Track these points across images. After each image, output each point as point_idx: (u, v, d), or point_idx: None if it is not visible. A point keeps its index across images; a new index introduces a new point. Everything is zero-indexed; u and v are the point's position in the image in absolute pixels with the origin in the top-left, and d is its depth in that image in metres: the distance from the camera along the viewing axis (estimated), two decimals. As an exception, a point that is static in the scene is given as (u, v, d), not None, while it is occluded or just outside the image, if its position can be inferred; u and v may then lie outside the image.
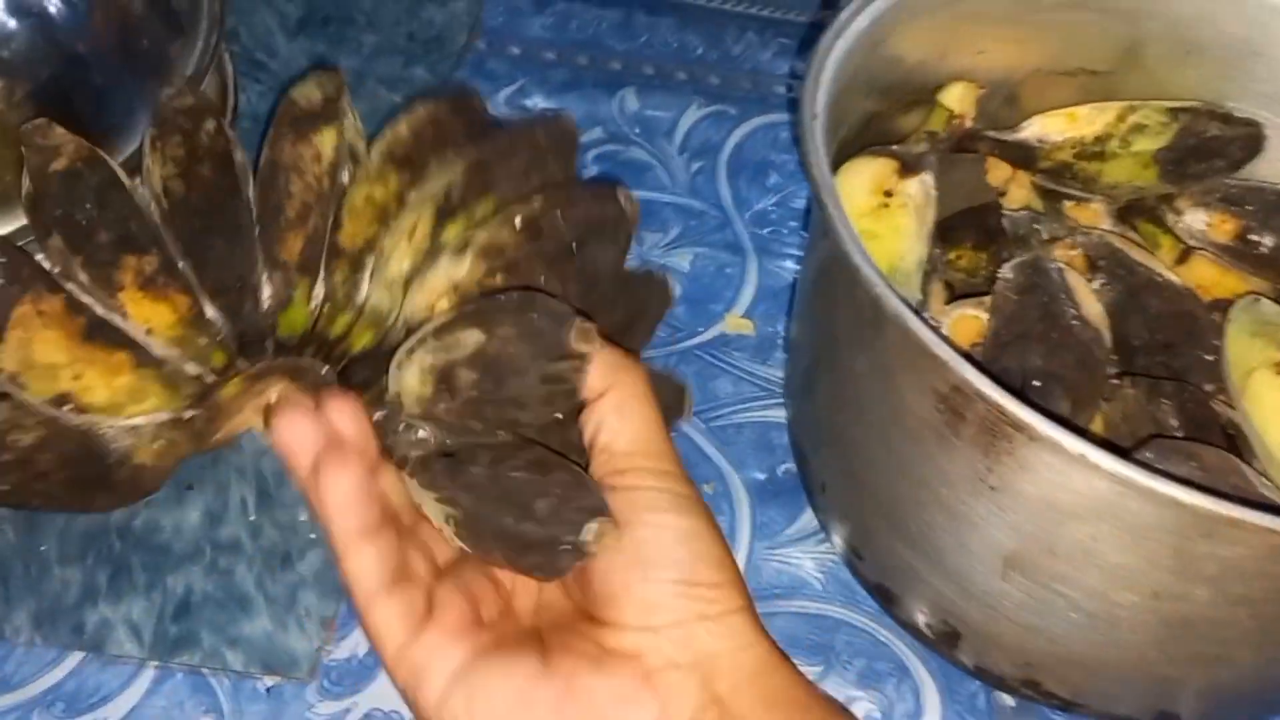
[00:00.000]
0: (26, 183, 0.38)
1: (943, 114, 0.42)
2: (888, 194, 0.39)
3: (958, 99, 0.41)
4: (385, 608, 0.29)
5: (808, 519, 0.42)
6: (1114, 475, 0.26)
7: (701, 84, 0.58)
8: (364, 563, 0.30)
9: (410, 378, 0.33)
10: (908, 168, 0.40)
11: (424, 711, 0.29)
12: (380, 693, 0.38)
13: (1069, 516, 0.29)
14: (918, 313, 0.29)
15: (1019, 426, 0.27)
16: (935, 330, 0.29)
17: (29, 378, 0.36)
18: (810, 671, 0.39)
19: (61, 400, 0.36)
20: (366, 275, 0.40)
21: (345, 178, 0.42)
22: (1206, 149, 0.42)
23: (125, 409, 0.37)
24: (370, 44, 0.58)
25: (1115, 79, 0.44)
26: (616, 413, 0.31)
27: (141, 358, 0.37)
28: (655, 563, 0.29)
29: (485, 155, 0.41)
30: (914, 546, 0.34)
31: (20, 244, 0.38)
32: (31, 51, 0.43)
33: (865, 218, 0.39)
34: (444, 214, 0.40)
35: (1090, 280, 0.41)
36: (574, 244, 0.37)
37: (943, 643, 0.36)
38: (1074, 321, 0.37)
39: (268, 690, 0.38)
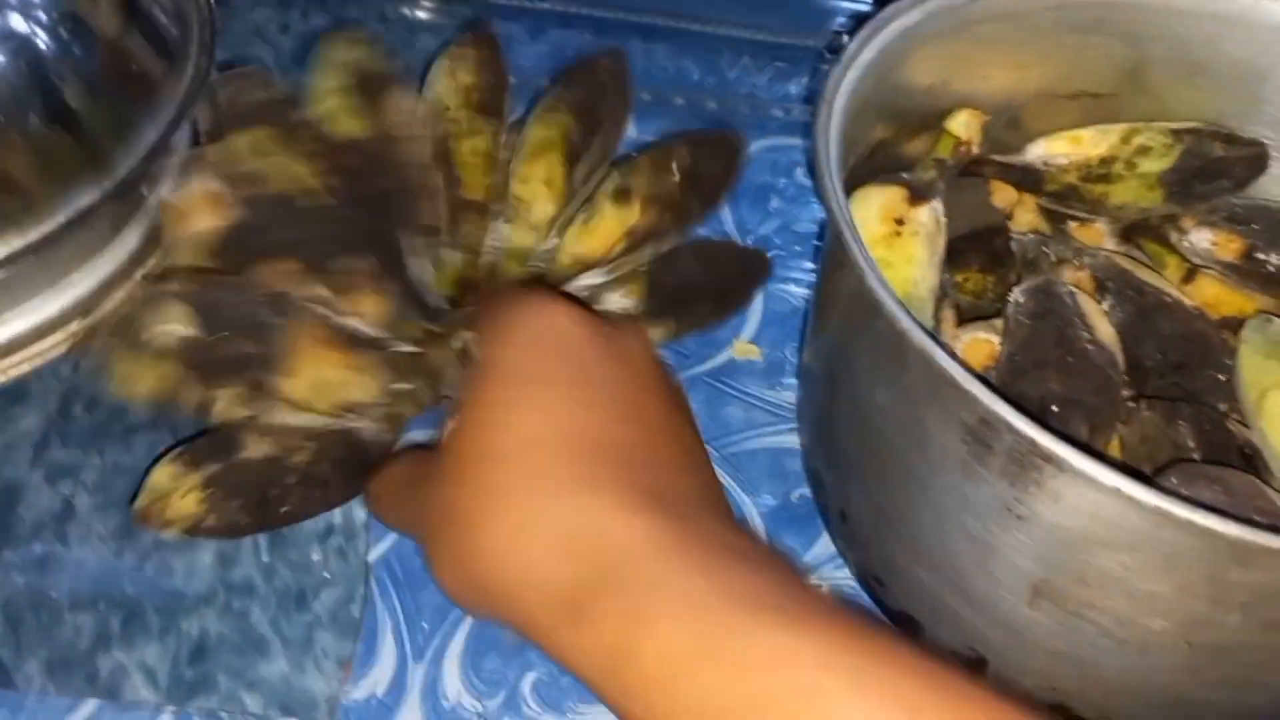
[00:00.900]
0: (235, 212, 0.38)
1: (950, 141, 0.42)
2: (899, 222, 0.40)
3: (964, 126, 0.42)
4: None
5: (824, 545, 0.42)
6: (1149, 507, 0.26)
7: (699, 109, 0.58)
8: None
9: None
10: (917, 195, 0.40)
11: None
12: (401, 733, 0.37)
13: (1100, 545, 0.29)
14: (941, 344, 0.29)
15: (1049, 459, 0.27)
16: (961, 363, 0.29)
17: (319, 398, 0.38)
18: (833, 700, 0.39)
19: (346, 409, 0.38)
20: (498, 222, 0.44)
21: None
22: (1211, 170, 0.43)
23: (380, 399, 0.39)
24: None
25: (1118, 101, 0.44)
26: None
27: (383, 349, 0.39)
28: None
29: (585, 96, 0.46)
30: (939, 575, 0.34)
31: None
32: (13, 81, 0.43)
33: (878, 246, 0.39)
34: (572, 157, 0.44)
35: (1100, 302, 0.41)
36: (720, 185, 0.45)
37: (969, 669, 0.36)
38: (1089, 345, 0.38)
39: (287, 734, 0.37)
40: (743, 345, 0.48)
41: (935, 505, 0.32)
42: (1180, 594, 0.28)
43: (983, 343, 0.40)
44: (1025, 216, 0.44)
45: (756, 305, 0.50)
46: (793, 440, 0.45)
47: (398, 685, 0.38)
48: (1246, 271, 0.41)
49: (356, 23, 0.51)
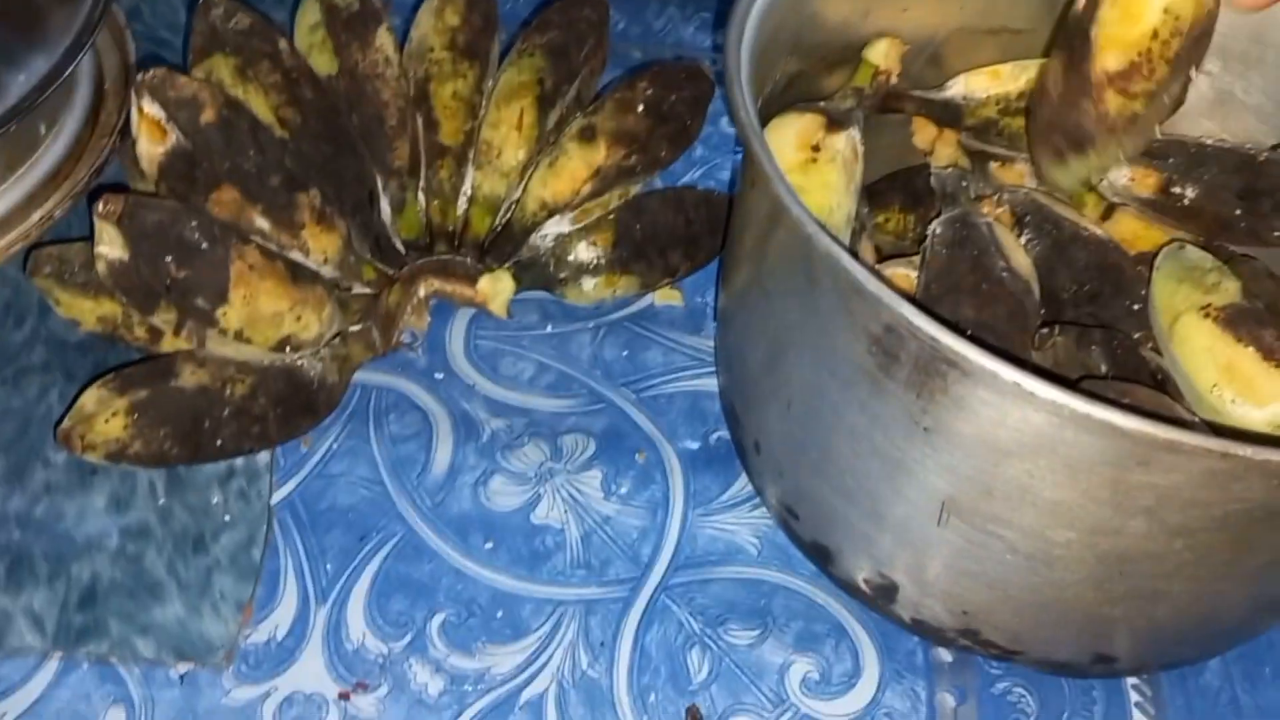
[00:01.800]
0: (175, 139, 0.36)
1: (868, 70, 0.41)
2: (815, 149, 0.39)
3: (883, 55, 0.41)
4: None
5: (741, 485, 0.42)
6: (1049, 403, 0.25)
7: (625, 58, 0.57)
8: None
9: None
10: (835, 123, 0.39)
11: None
12: (301, 675, 0.36)
13: (1005, 454, 0.28)
14: (851, 251, 0.29)
15: (953, 361, 0.27)
16: (867, 266, 0.28)
17: (255, 330, 0.37)
18: (749, 636, 0.38)
19: (284, 343, 0.38)
20: (470, 167, 0.44)
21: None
22: None
23: (324, 337, 0.39)
24: (280, 20, 0.56)
25: (1038, 36, 0.44)
26: None
27: (328, 287, 0.39)
28: None
29: (558, 39, 0.45)
30: (850, 499, 0.33)
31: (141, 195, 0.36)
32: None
33: (793, 172, 0.38)
34: (544, 102, 0.44)
35: (1018, 236, 0.41)
36: (688, 121, 0.45)
37: (880, 598, 0.35)
38: (1004, 274, 0.37)
39: (181, 677, 0.36)
40: (664, 290, 0.48)
41: (845, 425, 0.32)
42: (1084, 500, 0.28)
43: (902, 277, 0.40)
44: (946, 151, 0.44)
45: (678, 250, 0.49)
46: (712, 384, 0.45)
47: (299, 627, 0.37)
48: (1163, 206, 0.41)
49: None
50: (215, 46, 0.41)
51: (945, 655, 0.38)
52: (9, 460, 0.39)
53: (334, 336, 0.40)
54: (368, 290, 0.42)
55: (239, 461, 0.40)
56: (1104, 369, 0.35)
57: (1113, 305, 0.38)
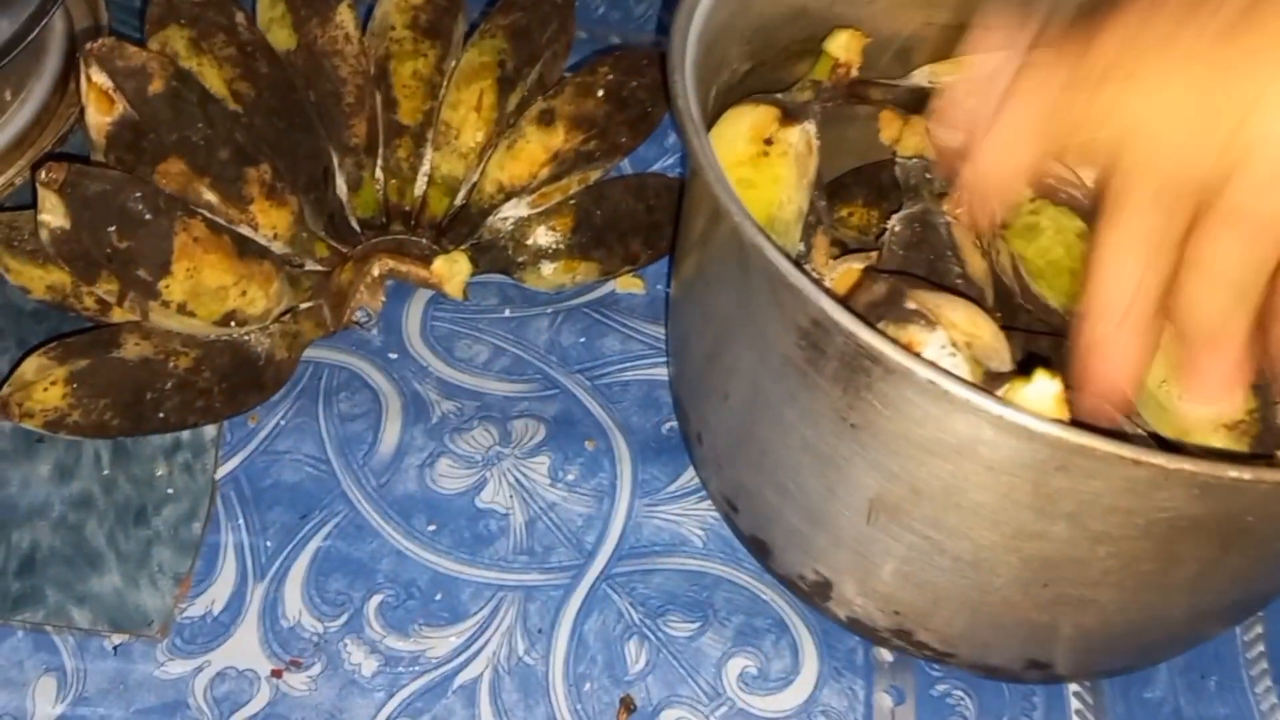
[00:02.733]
0: (122, 109, 0.36)
1: (827, 62, 0.41)
2: (768, 142, 0.38)
3: (843, 46, 0.41)
4: None
5: (689, 477, 0.41)
6: (966, 404, 0.25)
7: (602, 43, 0.56)
8: None
9: None
10: (789, 115, 0.39)
11: None
12: (235, 650, 0.36)
13: (928, 454, 0.28)
14: (785, 253, 0.28)
15: (875, 358, 0.27)
16: (795, 263, 0.28)
17: (199, 304, 0.37)
18: (688, 628, 0.38)
19: (229, 318, 0.38)
20: (429, 148, 0.44)
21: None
22: None
23: (272, 313, 0.39)
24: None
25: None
26: None
27: (277, 262, 0.39)
28: None
29: (521, 21, 0.44)
30: (785, 494, 0.33)
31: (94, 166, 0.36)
32: None
33: (743, 166, 0.38)
34: (505, 84, 0.43)
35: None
36: (649, 107, 0.44)
37: (816, 594, 0.35)
38: (958, 280, 0.37)
39: (115, 649, 0.36)
40: (626, 278, 0.47)
41: (777, 418, 0.32)
42: (1008, 504, 0.28)
43: (855, 273, 0.40)
44: (912, 141, 0.43)
45: (644, 238, 0.49)
46: (666, 373, 0.44)
47: (235, 603, 0.37)
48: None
49: None
50: (171, 17, 0.41)
51: (886, 655, 0.38)
52: (-44, 426, 0.39)
53: (284, 313, 0.40)
54: (320, 268, 0.42)
55: (185, 435, 0.40)
56: None
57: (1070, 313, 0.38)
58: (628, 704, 0.36)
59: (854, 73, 0.41)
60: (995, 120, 0.30)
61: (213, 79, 0.40)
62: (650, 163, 0.51)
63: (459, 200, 0.44)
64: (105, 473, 0.39)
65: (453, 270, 0.43)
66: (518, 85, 0.44)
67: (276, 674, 0.36)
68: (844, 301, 0.27)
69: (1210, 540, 0.27)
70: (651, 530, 0.40)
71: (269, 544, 0.38)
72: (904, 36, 0.43)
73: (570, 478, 0.41)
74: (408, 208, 0.44)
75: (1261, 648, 0.39)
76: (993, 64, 0.42)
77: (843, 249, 0.42)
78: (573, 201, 0.45)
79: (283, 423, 0.41)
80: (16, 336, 0.41)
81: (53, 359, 0.36)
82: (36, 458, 0.39)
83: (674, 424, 0.43)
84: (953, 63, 0.43)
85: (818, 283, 0.27)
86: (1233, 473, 0.23)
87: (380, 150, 0.43)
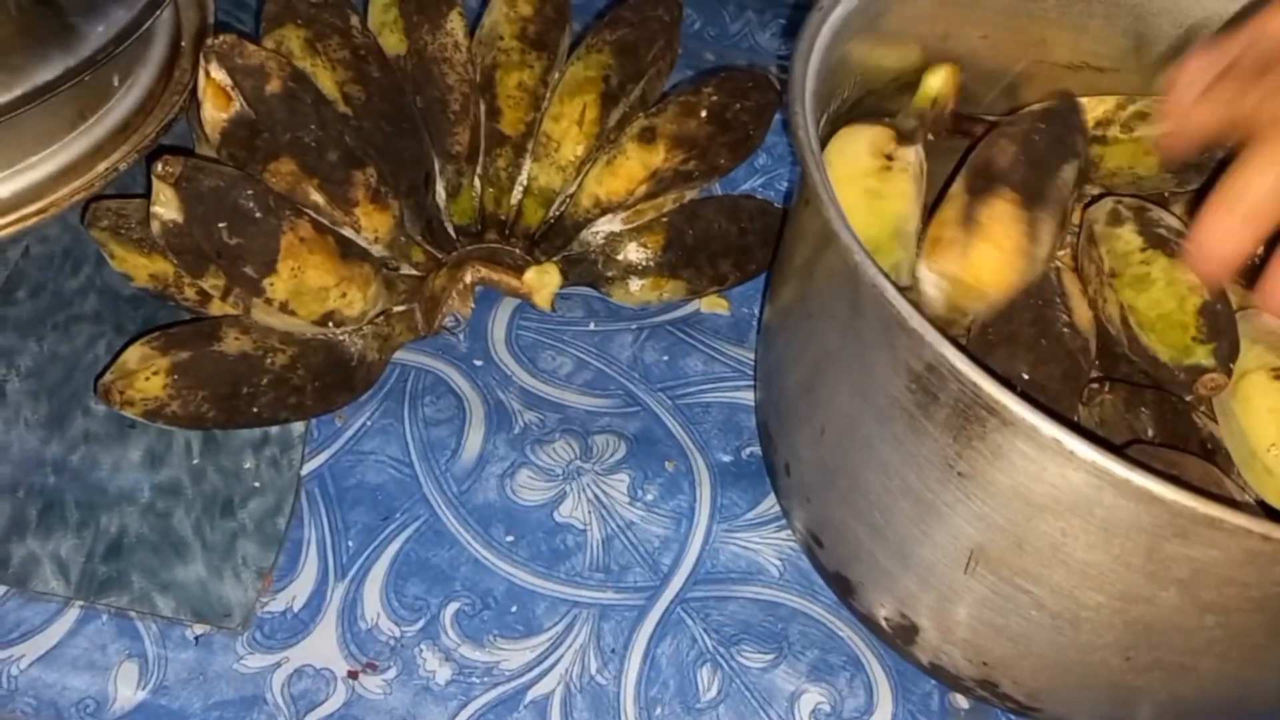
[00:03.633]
0: (238, 107, 0.37)
1: (928, 95, 0.40)
2: (889, 158, 0.38)
3: (940, 82, 0.40)
4: None
5: (769, 504, 0.41)
6: (1090, 465, 0.24)
7: (697, 60, 0.57)
8: None
9: None
10: (904, 137, 0.39)
11: None
12: (313, 648, 0.36)
13: (1040, 509, 0.27)
14: (896, 285, 0.28)
15: (993, 409, 0.26)
16: (914, 304, 0.27)
17: (300, 303, 0.37)
18: (762, 659, 0.37)
19: (327, 318, 0.38)
20: (528, 159, 0.44)
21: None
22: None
23: (368, 315, 0.40)
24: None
25: (1120, 77, 0.43)
26: None
27: (376, 265, 0.39)
28: None
29: (628, 37, 0.44)
30: (877, 534, 0.33)
31: (195, 156, 0.37)
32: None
33: (870, 177, 0.38)
34: (608, 99, 0.43)
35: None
36: (751, 130, 0.44)
37: (899, 637, 0.35)
38: (1065, 329, 0.36)
39: (196, 639, 0.36)
40: (711, 298, 0.47)
41: (878, 459, 0.31)
42: (1117, 565, 0.27)
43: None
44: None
45: (731, 259, 0.49)
46: (750, 397, 0.44)
47: (316, 601, 0.37)
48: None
49: None
50: (288, 16, 0.41)
51: (962, 702, 0.37)
52: (51, 405, 0.40)
53: (378, 315, 0.41)
54: (415, 272, 0.42)
55: (274, 430, 0.40)
56: (1151, 433, 0.34)
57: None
58: (698, 731, 0.36)
59: (949, 107, 0.41)
60: (1223, 196, 0.32)
61: (325, 80, 0.40)
62: (739, 183, 0.51)
63: (554, 212, 0.44)
64: (195, 462, 0.39)
65: (543, 281, 0.43)
66: (621, 101, 0.44)
67: (353, 675, 0.36)
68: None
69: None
70: (728, 556, 0.40)
71: (351, 544, 0.38)
72: (1013, 73, 0.43)
73: (649, 497, 0.41)
74: (503, 217, 0.44)
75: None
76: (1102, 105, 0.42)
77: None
78: (665, 219, 0.45)
79: (369, 423, 0.41)
80: (114, 321, 0.42)
81: (155, 349, 0.37)
82: (128, 443, 0.40)
83: (755, 449, 0.42)
84: None
85: (940, 329, 0.27)
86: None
87: (480, 159, 0.43)
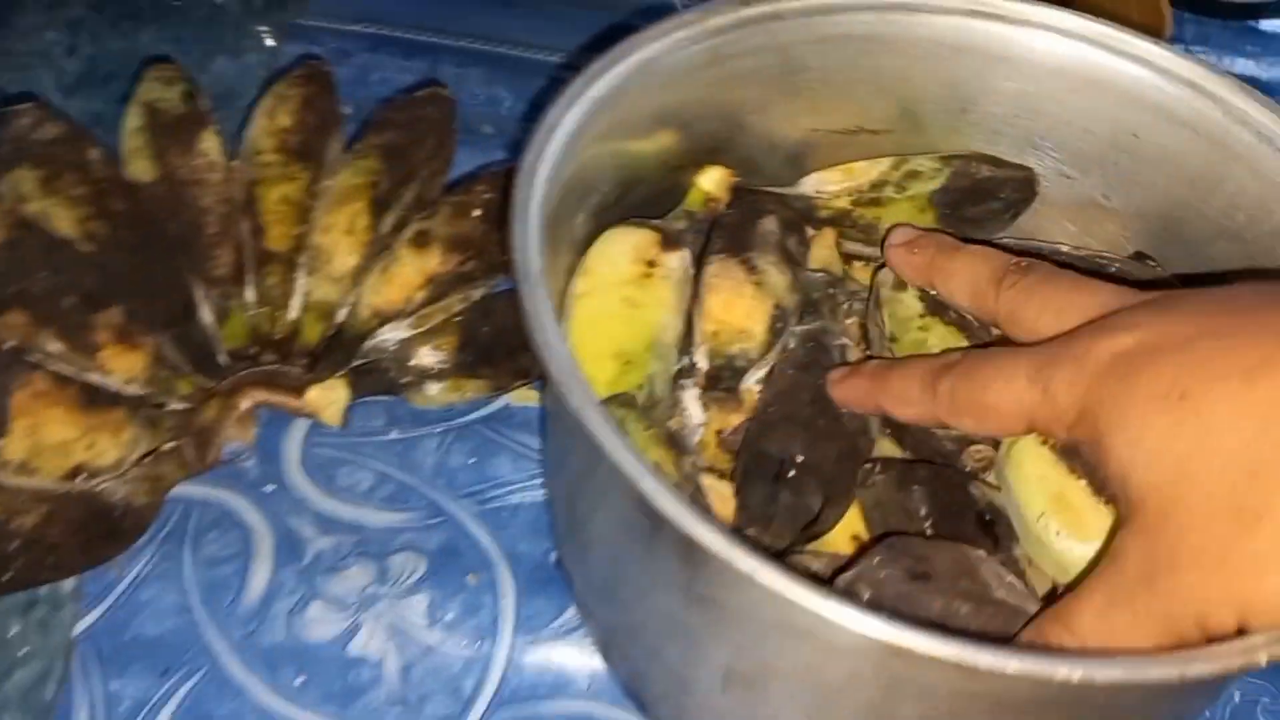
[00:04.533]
0: None
1: (699, 195, 0.40)
2: (650, 264, 0.37)
3: (714, 183, 0.40)
4: None
5: (573, 613, 0.39)
6: (788, 600, 0.23)
7: (510, 139, 0.55)
8: None
9: None
10: (669, 241, 0.38)
11: None
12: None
13: (774, 631, 0.26)
14: (615, 423, 0.27)
15: (693, 542, 0.25)
16: (628, 445, 0.26)
17: (41, 461, 0.35)
18: (567, 781, 0.36)
19: (75, 472, 0.36)
20: (301, 273, 0.42)
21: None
22: (981, 190, 0.41)
23: (127, 460, 0.37)
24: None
25: (897, 138, 0.42)
26: None
27: (131, 407, 0.38)
28: None
29: (395, 140, 0.43)
30: (647, 652, 0.31)
31: None
32: None
33: (629, 285, 0.37)
34: (379, 205, 0.42)
35: (862, 349, 0.39)
36: None
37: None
38: (844, 411, 0.35)
39: (-47, 832, 0.34)
40: (521, 391, 0.46)
41: (630, 578, 0.30)
42: (857, 684, 0.26)
43: (747, 392, 0.38)
44: (821, 253, 0.42)
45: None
46: (560, 494, 0.43)
47: (86, 774, 0.35)
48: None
49: (168, 59, 0.48)
50: (20, 158, 0.39)
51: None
52: None
53: (144, 456, 0.39)
54: (185, 405, 0.40)
55: (41, 589, 0.38)
56: (924, 511, 0.33)
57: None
58: None
59: (723, 207, 0.40)
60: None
61: (64, 219, 0.38)
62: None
63: (334, 325, 0.42)
64: (-47, 634, 0.37)
65: (329, 399, 0.41)
66: (393, 206, 0.42)
67: None
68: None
69: (1064, 713, 0.25)
70: (534, 671, 0.38)
71: (124, 707, 0.36)
72: (791, 141, 0.42)
73: (449, 617, 0.39)
74: (279, 336, 0.42)
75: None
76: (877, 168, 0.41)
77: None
78: (458, 319, 0.43)
79: (145, 570, 0.39)
80: None
81: None
82: (-119, 620, 0.37)
83: (562, 552, 0.41)
84: (840, 170, 0.42)
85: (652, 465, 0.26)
86: (1060, 674, 0.21)
87: (249, 278, 0.42)
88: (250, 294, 0.42)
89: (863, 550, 0.31)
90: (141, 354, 0.38)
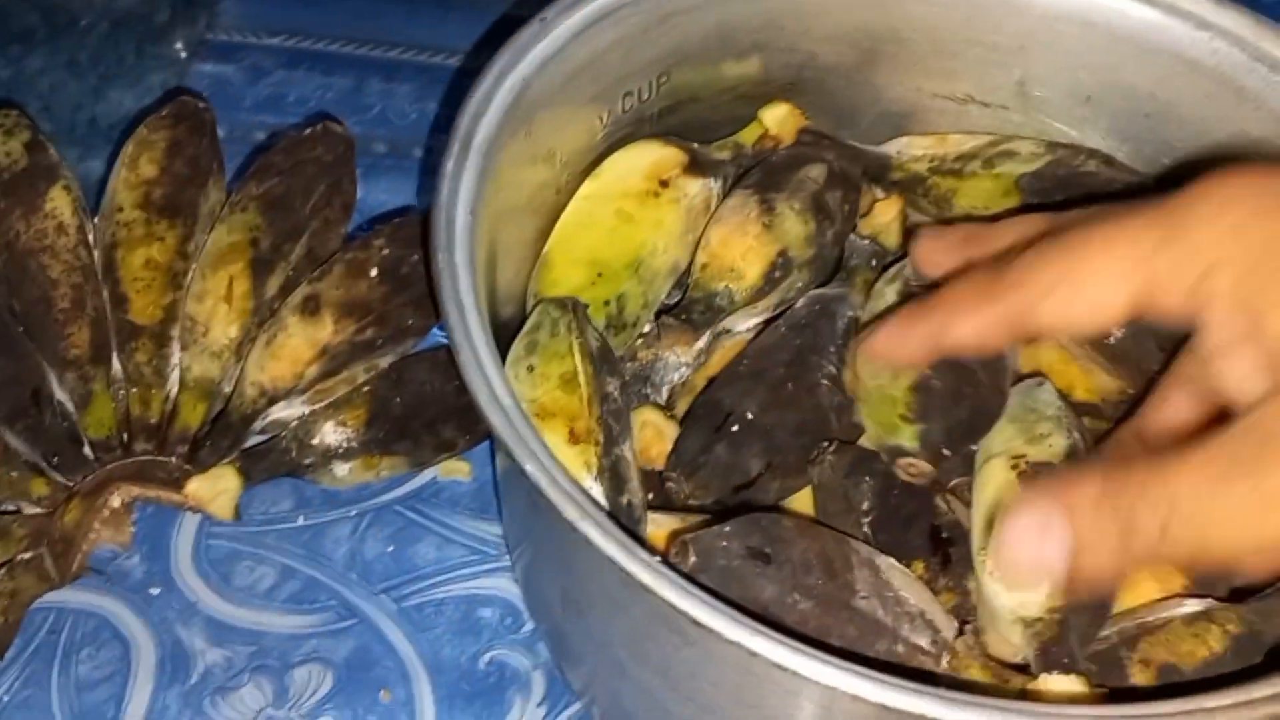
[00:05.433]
0: None
1: (757, 129, 0.37)
2: (663, 184, 0.35)
3: (777, 120, 0.37)
4: None
5: (512, 721, 0.34)
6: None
7: (366, 153, 0.49)
8: None
9: None
10: (696, 166, 0.35)
11: None
12: None
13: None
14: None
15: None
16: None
17: None
18: None
19: None
20: (175, 347, 0.37)
21: (91, 237, 0.37)
22: (1078, 182, 0.36)
23: None
24: (45, 132, 0.49)
25: (1008, 117, 0.38)
26: None
27: None
28: None
29: (278, 189, 0.38)
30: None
31: None
32: None
33: (628, 199, 0.35)
34: (260, 265, 0.37)
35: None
36: None
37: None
38: (823, 382, 0.32)
39: None
40: (449, 464, 0.40)
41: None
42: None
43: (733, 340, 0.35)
44: (880, 220, 0.37)
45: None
46: (492, 585, 0.37)
47: None
48: (1096, 344, 0.34)
49: (8, 103, 0.42)
50: None
51: None
52: None
53: None
54: (41, 509, 0.35)
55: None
56: (865, 505, 0.30)
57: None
58: None
59: (783, 145, 0.37)
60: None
61: None
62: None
63: (218, 405, 0.37)
64: None
65: (215, 489, 0.36)
66: (279, 265, 0.37)
67: None
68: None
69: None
70: (458, 808, 0.33)
71: None
72: (893, 99, 0.38)
73: (358, 744, 0.34)
74: (154, 420, 0.37)
75: None
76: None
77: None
78: (366, 389, 0.38)
79: (6, 697, 0.34)
80: None
81: None
82: None
83: (495, 653, 0.36)
84: (933, 136, 0.38)
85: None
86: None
87: (116, 356, 0.36)
88: (116, 374, 0.37)
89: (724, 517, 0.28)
90: None
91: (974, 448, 0.31)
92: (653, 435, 0.32)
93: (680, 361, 0.34)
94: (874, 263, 0.36)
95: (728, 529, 0.27)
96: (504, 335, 0.31)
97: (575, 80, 0.33)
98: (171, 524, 0.38)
